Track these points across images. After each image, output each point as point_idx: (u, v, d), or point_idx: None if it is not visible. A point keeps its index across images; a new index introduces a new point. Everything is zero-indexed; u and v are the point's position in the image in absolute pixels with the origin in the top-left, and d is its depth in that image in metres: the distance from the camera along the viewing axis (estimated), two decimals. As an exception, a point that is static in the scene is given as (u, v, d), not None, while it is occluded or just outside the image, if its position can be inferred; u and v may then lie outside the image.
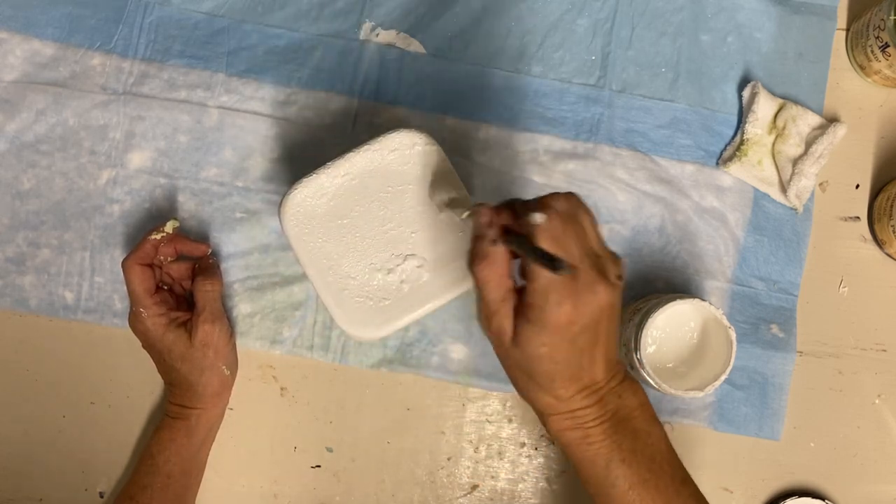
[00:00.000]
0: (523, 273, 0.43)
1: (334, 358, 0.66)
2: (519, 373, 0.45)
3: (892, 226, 0.65)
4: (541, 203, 0.44)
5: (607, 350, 0.45)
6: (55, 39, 0.68)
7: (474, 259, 0.44)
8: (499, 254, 0.44)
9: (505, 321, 0.44)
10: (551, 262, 0.41)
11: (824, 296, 0.68)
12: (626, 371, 0.47)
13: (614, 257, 0.45)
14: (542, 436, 0.66)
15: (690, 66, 0.69)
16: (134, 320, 0.61)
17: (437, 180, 0.56)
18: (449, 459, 0.66)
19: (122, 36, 0.69)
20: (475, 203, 0.47)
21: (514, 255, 0.45)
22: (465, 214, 0.50)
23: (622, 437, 0.45)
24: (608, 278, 0.43)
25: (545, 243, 0.42)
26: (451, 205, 0.55)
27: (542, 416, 0.47)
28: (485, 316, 0.45)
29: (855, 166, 0.69)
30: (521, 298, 0.43)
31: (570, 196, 0.45)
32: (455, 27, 0.69)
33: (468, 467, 0.66)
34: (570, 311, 0.42)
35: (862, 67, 0.69)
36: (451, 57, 0.69)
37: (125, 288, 0.61)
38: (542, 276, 0.42)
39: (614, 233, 0.67)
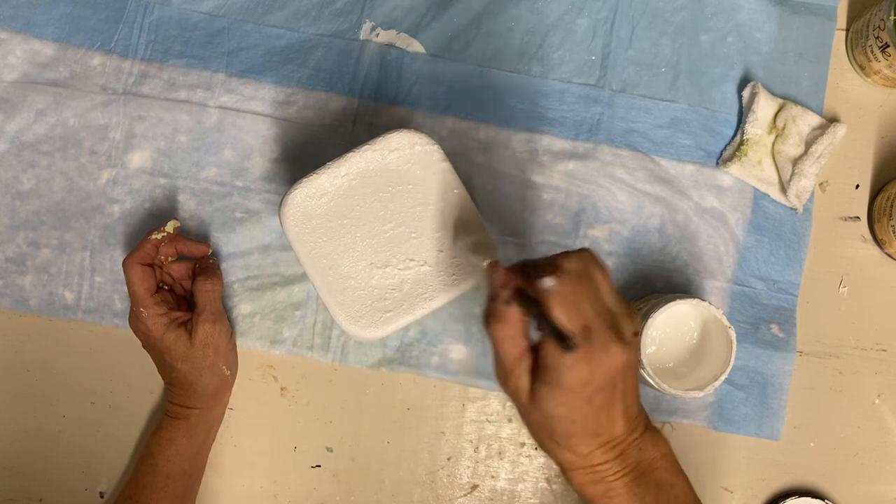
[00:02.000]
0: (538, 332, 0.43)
1: (334, 358, 0.66)
2: (538, 429, 0.45)
3: (892, 226, 0.65)
4: (552, 265, 0.43)
5: (626, 406, 0.44)
6: (55, 39, 0.68)
7: (489, 319, 0.44)
8: (513, 314, 0.43)
9: (521, 380, 0.44)
10: (562, 340, 0.41)
11: (824, 296, 0.68)
12: (646, 423, 0.47)
13: (630, 311, 0.45)
14: (542, 436, 0.66)
15: (690, 66, 0.69)
16: (134, 320, 0.61)
17: (462, 224, 0.57)
18: (449, 459, 0.66)
19: (123, 36, 0.69)
20: (491, 260, 0.48)
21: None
22: (486, 264, 0.51)
23: (644, 489, 0.45)
24: (623, 337, 0.43)
25: (556, 308, 0.42)
26: (475, 250, 0.55)
27: (564, 471, 0.47)
28: (501, 374, 0.45)
29: (855, 166, 0.69)
30: (538, 357, 0.43)
31: (582, 254, 0.45)
32: (455, 27, 0.69)
33: (468, 467, 0.66)
34: (585, 373, 0.42)
35: (862, 67, 0.69)
36: (451, 57, 0.69)
37: (125, 288, 0.61)
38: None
39: (614, 233, 0.67)
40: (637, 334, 0.44)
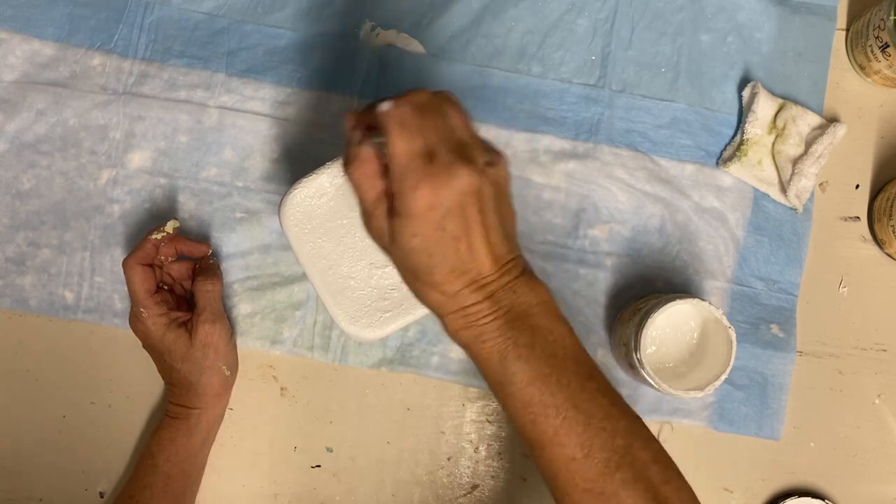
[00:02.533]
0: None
1: (334, 358, 0.66)
2: (405, 273, 0.45)
3: (892, 226, 0.65)
4: (397, 95, 0.43)
5: (488, 241, 0.43)
6: (55, 39, 0.68)
7: (346, 164, 0.44)
8: (365, 153, 0.43)
9: (381, 221, 0.43)
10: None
11: (824, 296, 0.68)
12: (524, 268, 0.45)
13: (489, 148, 0.44)
14: (542, 436, 0.66)
15: (690, 66, 0.69)
16: (134, 320, 0.61)
17: None
18: (449, 459, 0.66)
19: (123, 36, 0.69)
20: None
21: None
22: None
23: (518, 333, 0.43)
24: (472, 162, 0.42)
25: (393, 128, 0.41)
26: None
27: (439, 319, 0.45)
28: (364, 219, 0.45)
29: (855, 166, 0.69)
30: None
31: (437, 92, 0.44)
32: (455, 27, 0.69)
33: (468, 467, 0.66)
34: (427, 193, 0.41)
35: (862, 67, 0.69)
36: (451, 57, 0.69)
37: (125, 288, 0.61)
38: (396, 162, 0.41)
39: (614, 233, 0.67)
40: (492, 164, 0.43)
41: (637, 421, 0.45)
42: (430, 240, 0.42)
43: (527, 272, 0.45)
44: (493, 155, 0.44)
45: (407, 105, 0.42)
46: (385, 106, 0.42)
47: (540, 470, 0.45)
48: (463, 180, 0.41)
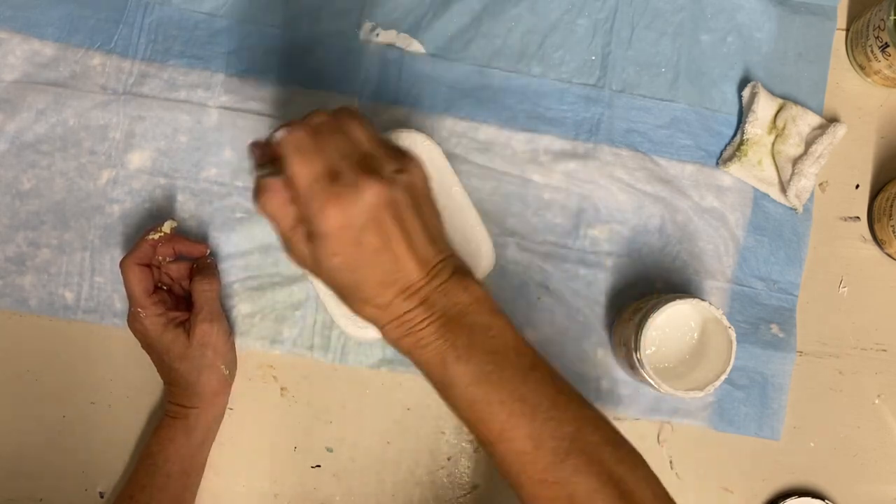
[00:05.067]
0: None
1: (334, 358, 0.66)
2: (337, 292, 0.45)
3: (892, 226, 0.65)
4: (293, 120, 0.44)
5: (412, 247, 0.43)
6: (55, 39, 0.68)
7: (254, 197, 0.44)
8: (272, 184, 0.43)
9: (301, 246, 0.43)
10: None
11: (824, 296, 0.68)
12: (456, 268, 0.45)
13: (398, 154, 0.44)
14: (542, 436, 0.66)
15: (690, 66, 0.69)
16: (132, 320, 0.61)
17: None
18: (449, 459, 0.66)
19: (123, 36, 0.69)
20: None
21: None
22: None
23: (455, 334, 0.44)
24: (378, 174, 0.42)
25: (289, 154, 0.41)
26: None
27: (379, 331, 0.46)
28: (285, 249, 0.45)
29: (855, 166, 0.69)
30: None
31: (337, 109, 0.45)
32: (455, 27, 0.69)
33: (468, 467, 0.66)
34: (337, 213, 0.41)
35: (862, 67, 0.69)
36: (451, 57, 0.69)
37: (125, 288, 0.61)
38: (297, 186, 0.41)
39: (614, 233, 0.67)
40: (402, 171, 0.43)
41: (585, 405, 0.45)
42: (351, 257, 0.42)
43: (459, 271, 0.45)
44: (402, 161, 0.44)
45: (301, 129, 0.42)
46: (279, 134, 0.42)
47: (495, 466, 0.45)
48: (371, 193, 0.41)
